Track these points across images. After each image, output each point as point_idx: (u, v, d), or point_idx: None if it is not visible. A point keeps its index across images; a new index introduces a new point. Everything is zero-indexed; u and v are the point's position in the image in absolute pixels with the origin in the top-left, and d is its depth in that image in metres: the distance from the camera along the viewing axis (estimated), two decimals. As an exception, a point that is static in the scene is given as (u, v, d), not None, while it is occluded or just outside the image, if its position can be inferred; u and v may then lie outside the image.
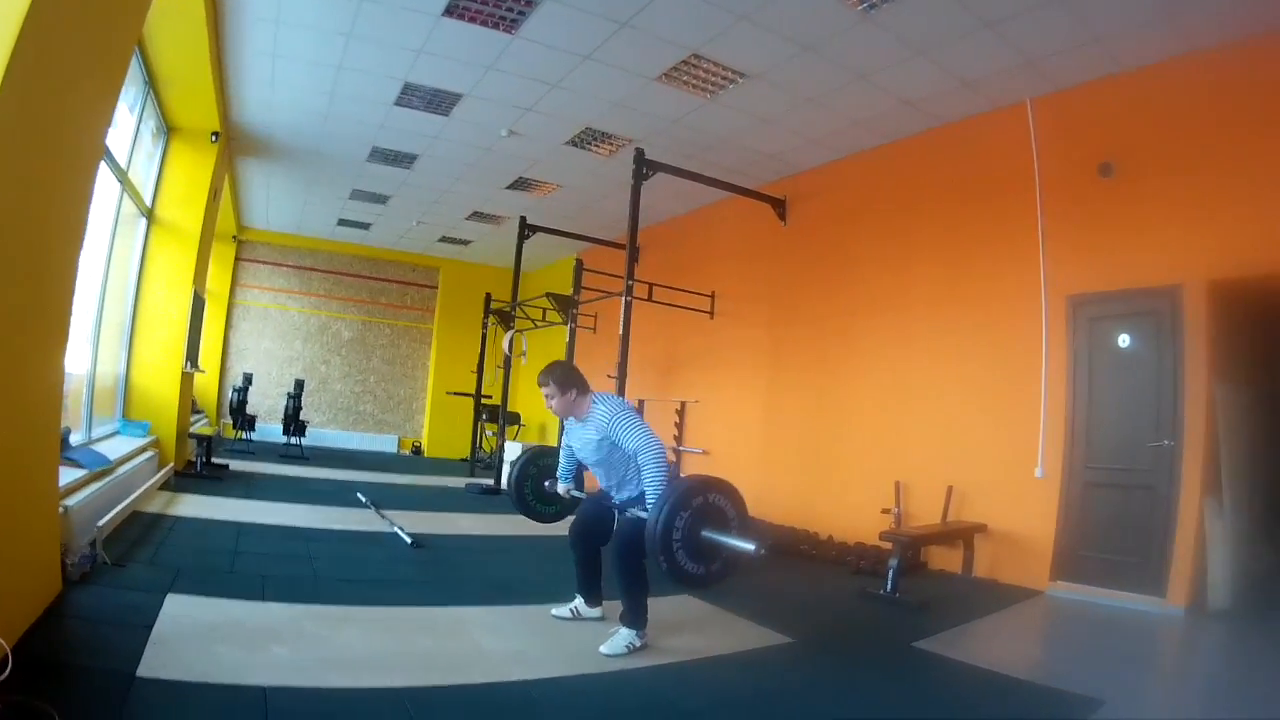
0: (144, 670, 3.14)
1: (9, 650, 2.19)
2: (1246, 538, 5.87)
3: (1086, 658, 4.75)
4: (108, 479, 5.58)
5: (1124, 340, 6.38)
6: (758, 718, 3.53)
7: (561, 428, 4.90)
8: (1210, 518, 5.75)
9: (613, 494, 4.44)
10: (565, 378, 4.35)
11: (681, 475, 4.12)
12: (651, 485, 3.91)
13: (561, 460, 4.89)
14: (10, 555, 3.31)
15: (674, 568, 3.58)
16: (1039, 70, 6.59)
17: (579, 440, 4.44)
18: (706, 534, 3.65)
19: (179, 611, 4.01)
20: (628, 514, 4.22)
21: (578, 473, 4.90)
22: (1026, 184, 6.95)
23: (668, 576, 3.63)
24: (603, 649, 4.09)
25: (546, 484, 5.09)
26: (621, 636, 4.15)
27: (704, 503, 3.70)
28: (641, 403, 11.42)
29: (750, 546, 3.52)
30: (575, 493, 4.87)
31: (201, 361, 10.44)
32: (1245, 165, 5.66)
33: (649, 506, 3.81)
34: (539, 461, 5.27)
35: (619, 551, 4.24)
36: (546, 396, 4.37)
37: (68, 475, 4.90)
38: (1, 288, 2.95)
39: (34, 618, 3.53)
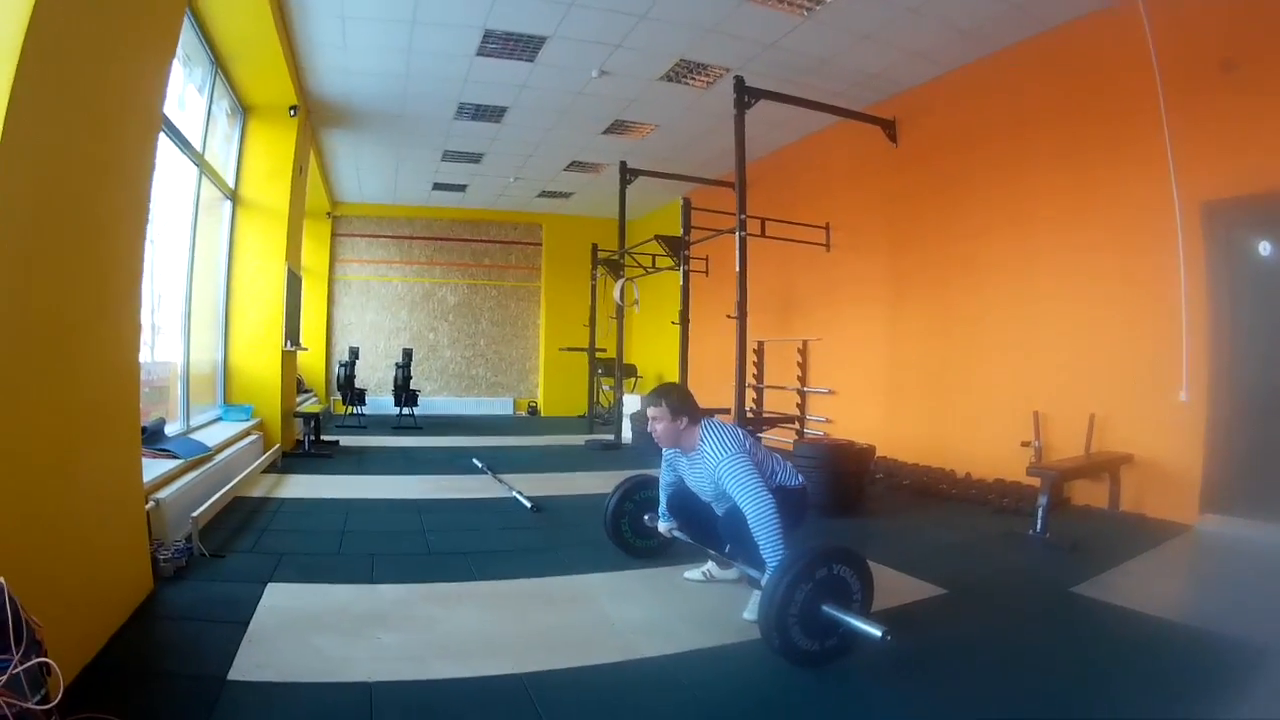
0: (235, 673, 2.93)
1: (59, 671, 1.87)
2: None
3: (1254, 601, 4.23)
4: (205, 467, 5.48)
5: (1265, 249, 5.79)
6: (932, 684, 3.08)
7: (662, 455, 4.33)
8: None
9: (716, 509, 4.02)
10: (680, 403, 3.91)
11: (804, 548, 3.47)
12: (769, 553, 3.40)
13: (662, 497, 4.42)
14: (88, 560, 3.07)
15: (786, 645, 3.14)
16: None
17: (690, 474, 4.07)
18: (827, 609, 3.20)
19: (279, 602, 3.77)
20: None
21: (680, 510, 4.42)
22: (1146, 86, 6.23)
23: (777, 653, 3.17)
24: (746, 615, 3.67)
25: (646, 518, 4.65)
26: (764, 598, 3.68)
27: (827, 575, 3.27)
28: (761, 344, 11.10)
29: (877, 633, 3.02)
30: (677, 533, 4.37)
31: (305, 339, 10.43)
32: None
33: (767, 569, 3.37)
34: (635, 496, 4.83)
35: (738, 535, 3.68)
36: (653, 419, 3.93)
37: (160, 467, 4.81)
38: (58, 278, 2.72)
39: (120, 621, 3.30)
